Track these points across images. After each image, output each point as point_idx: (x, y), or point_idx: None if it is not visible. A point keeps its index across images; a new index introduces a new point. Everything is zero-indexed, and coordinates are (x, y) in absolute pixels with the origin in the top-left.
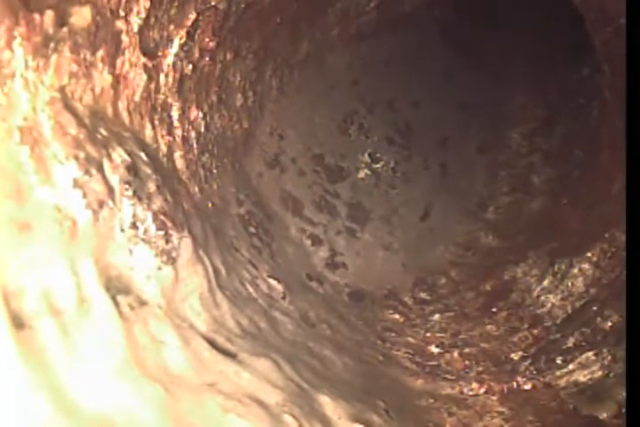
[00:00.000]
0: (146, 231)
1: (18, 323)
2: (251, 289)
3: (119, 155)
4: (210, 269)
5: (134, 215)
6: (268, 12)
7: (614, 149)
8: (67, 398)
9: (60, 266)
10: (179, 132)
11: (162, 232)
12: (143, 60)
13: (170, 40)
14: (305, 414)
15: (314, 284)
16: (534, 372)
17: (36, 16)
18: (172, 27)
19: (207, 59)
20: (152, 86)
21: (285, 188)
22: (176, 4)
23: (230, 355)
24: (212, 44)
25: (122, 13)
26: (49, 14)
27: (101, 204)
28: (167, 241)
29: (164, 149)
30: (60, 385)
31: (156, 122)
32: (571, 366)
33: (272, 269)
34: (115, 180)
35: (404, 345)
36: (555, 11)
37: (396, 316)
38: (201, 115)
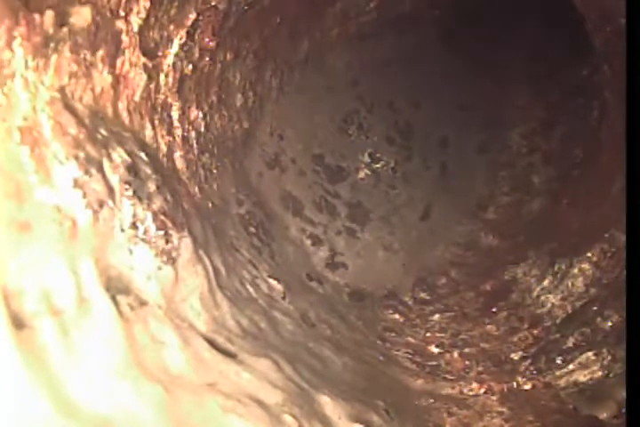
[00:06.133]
0: (146, 231)
1: (18, 323)
2: (251, 289)
3: (119, 155)
4: (210, 269)
5: (134, 215)
6: (268, 12)
7: (614, 149)
8: (67, 398)
9: (60, 266)
10: (179, 132)
11: (162, 232)
12: (143, 60)
13: (170, 40)
14: (305, 414)
15: (314, 284)
16: (534, 372)
17: (36, 16)
18: (172, 27)
19: (207, 59)
20: (152, 86)
21: (285, 188)
22: (176, 3)
23: (230, 355)
24: (212, 44)
25: (122, 13)
26: (49, 14)
27: (101, 204)
28: (167, 241)
29: (163, 149)
30: (60, 385)
31: (156, 122)
32: (571, 366)
33: (272, 269)
34: (115, 180)
35: (404, 345)
36: (555, 11)
37: (396, 316)
38: (201, 115)
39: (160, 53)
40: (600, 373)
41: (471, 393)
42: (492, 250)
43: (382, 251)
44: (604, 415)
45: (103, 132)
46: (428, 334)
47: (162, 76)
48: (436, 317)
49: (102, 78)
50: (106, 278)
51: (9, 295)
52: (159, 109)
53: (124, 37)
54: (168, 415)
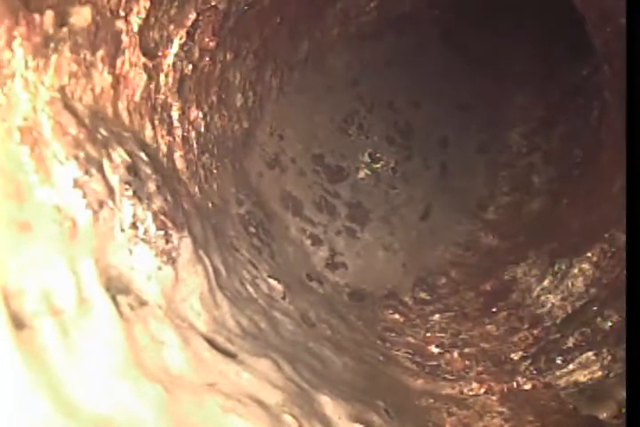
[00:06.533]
0: (146, 231)
1: (18, 323)
2: (251, 289)
3: (119, 155)
4: (210, 269)
5: (134, 215)
6: (268, 12)
7: (614, 149)
8: (67, 398)
9: (60, 266)
10: (179, 132)
11: (162, 232)
12: (143, 60)
13: (170, 40)
14: (305, 414)
15: (314, 284)
16: (534, 372)
17: (36, 16)
18: (172, 27)
19: (207, 59)
20: (152, 86)
21: (285, 188)
22: (176, 3)
23: (230, 355)
24: (212, 44)
25: (122, 13)
26: (49, 14)
27: (101, 204)
28: (167, 241)
29: (164, 148)
30: (60, 385)
31: (156, 122)
32: (571, 366)
33: (272, 269)
34: (115, 180)
35: (404, 345)
36: (555, 11)
37: (396, 316)
38: (201, 115)
39: (160, 53)
40: (600, 373)
41: (471, 393)
42: (491, 250)
43: (382, 251)
44: (603, 415)
45: (103, 132)
46: (428, 334)
47: (162, 76)
48: (436, 317)
49: (102, 78)
50: (106, 278)
51: (9, 295)
52: (159, 109)
53: (124, 37)
54: (168, 415)
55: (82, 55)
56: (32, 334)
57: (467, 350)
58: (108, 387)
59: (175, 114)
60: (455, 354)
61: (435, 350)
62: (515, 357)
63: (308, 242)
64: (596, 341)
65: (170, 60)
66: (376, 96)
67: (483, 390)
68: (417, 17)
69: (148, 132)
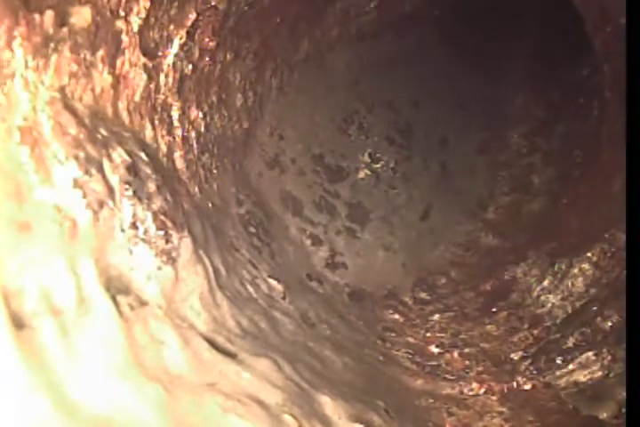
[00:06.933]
0: (146, 231)
1: (18, 323)
2: (251, 289)
3: (119, 155)
4: (210, 269)
5: (134, 215)
6: (268, 12)
7: (614, 149)
8: (67, 398)
9: (60, 266)
10: (179, 132)
11: (162, 232)
12: (143, 60)
13: (170, 40)
14: (305, 414)
15: (314, 284)
16: (534, 372)
17: (36, 16)
18: (172, 27)
19: (207, 59)
20: (152, 86)
21: (285, 188)
22: (176, 4)
23: (230, 355)
24: (211, 44)
25: (122, 13)
26: (49, 14)
27: (101, 204)
28: (167, 241)
29: (163, 148)
30: (60, 385)
31: (156, 122)
32: (571, 366)
33: (272, 270)
34: (115, 180)
35: (404, 345)
36: (555, 11)
37: (396, 316)
38: (201, 115)
39: (160, 53)
40: (600, 373)
41: (471, 393)
42: (491, 250)
43: (382, 251)
44: (604, 415)
45: (103, 132)
46: (428, 334)
47: (162, 76)
48: (436, 317)
49: (102, 78)
50: (106, 278)
51: (9, 295)
52: (159, 109)
53: (124, 37)
54: (168, 415)
55: (82, 55)
56: (32, 334)
57: (467, 350)
58: (108, 387)
59: (175, 114)
60: (455, 354)
61: (435, 350)
62: (515, 357)
63: (308, 242)
64: (596, 341)
65: (170, 60)
66: (376, 96)
67: (483, 390)
68: (417, 17)
69: (148, 132)
